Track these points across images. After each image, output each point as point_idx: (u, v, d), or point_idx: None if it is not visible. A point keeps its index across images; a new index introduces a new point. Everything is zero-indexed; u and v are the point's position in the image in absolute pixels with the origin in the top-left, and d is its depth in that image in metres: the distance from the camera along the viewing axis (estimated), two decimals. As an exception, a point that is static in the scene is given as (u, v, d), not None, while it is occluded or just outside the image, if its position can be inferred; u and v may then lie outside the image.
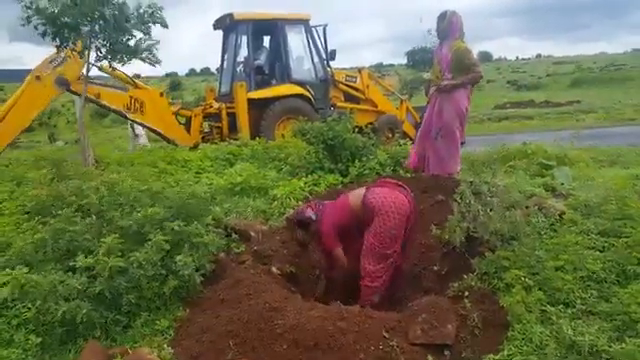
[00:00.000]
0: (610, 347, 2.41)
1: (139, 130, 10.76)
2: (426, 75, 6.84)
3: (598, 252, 3.11)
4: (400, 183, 3.73)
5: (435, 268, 3.60)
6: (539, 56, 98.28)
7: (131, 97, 8.20)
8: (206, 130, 9.77)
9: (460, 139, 5.19)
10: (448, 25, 5.08)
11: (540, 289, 2.90)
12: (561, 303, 2.81)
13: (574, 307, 2.78)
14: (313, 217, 3.74)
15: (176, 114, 9.21)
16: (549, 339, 2.59)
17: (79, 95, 7.33)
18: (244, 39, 10.00)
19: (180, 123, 9.23)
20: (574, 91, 29.46)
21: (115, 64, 6.37)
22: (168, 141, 8.64)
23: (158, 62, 6.39)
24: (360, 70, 11.07)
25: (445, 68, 5.07)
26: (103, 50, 6.11)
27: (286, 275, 3.92)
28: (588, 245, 3.18)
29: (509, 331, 2.74)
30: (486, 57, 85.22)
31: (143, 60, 6.29)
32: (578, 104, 22.49)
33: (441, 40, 5.24)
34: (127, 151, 9.88)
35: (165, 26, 6.16)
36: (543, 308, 2.79)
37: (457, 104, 5.05)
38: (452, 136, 5.11)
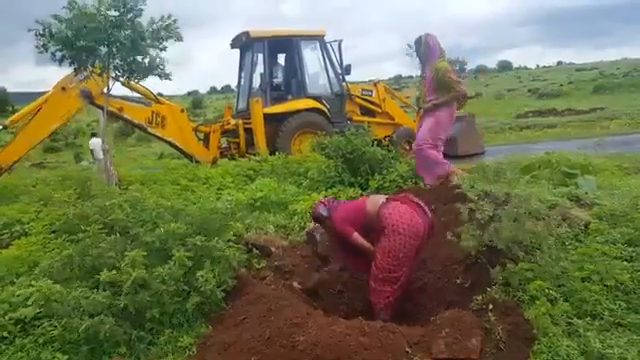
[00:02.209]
0: (641, 360, 2.34)
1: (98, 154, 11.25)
2: (417, 92, 7.13)
3: (625, 262, 3.03)
4: (421, 204, 3.66)
5: (458, 281, 3.55)
6: (560, 63, 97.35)
7: (153, 112, 8.40)
8: (224, 146, 9.93)
9: (441, 148, 5.38)
10: (426, 48, 5.27)
11: (566, 301, 2.83)
12: (588, 315, 2.74)
13: (602, 319, 2.70)
14: (324, 214, 3.77)
15: (195, 130, 9.39)
16: (576, 352, 2.52)
17: (102, 109, 7.54)
18: (260, 56, 10.17)
19: (199, 139, 9.41)
20: (597, 98, 28.99)
21: (132, 81, 6.57)
22: (187, 156, 8.78)
23: (168, 76, 6.55)
24: (376, 84, 11.12)
25: (427, 89, 5.23)
26: (121, 70, 6.29)
27: (307, 290, 3.91)
28: (615, 255, 3.10)
29: (535, 344, 2.67)
30: (506, 66, 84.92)
31: (158, 76, 6.47)
32: (602, 111, 22.09)
33: (423, 64, 5.38)
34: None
35: (180, 39, 6.30)
36: (569, 320, 2.72)
37: (437, 119, 5.26)
38: (433, 146, 5.28)
